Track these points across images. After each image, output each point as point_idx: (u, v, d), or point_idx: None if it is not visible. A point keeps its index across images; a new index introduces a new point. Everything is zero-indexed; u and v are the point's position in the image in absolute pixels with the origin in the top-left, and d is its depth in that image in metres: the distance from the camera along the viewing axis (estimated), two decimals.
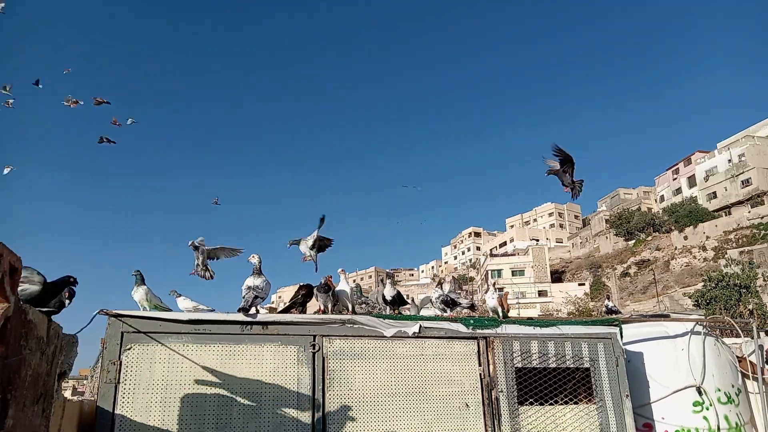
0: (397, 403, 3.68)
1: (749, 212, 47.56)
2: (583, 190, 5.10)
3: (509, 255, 62.56)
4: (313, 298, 4.14)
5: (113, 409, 3.17)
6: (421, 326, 3.90)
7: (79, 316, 3.24)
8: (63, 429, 2.91)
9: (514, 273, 57.14)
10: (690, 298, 32.75)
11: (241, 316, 3.55)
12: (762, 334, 5.45)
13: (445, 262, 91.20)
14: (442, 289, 4.42)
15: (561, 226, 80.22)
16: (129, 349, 3.31)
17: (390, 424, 3.62)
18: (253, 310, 3.65)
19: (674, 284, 42.04)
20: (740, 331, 5.22)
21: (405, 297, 4.63)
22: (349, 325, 3.76)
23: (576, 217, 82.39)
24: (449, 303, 4.31)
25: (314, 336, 3.66)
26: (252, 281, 3.71)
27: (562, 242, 72.64)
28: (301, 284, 4.10)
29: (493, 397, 3.87)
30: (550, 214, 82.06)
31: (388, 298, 4.21)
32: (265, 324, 3.60)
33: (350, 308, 4.08)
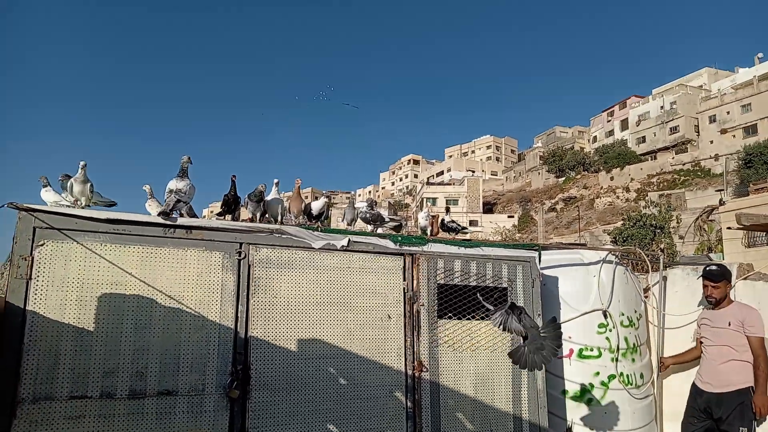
0: (322, 311, 3.75)
1: (673, 158, 50.28)
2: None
3: (445, 184, 63.69)
4: (243, 207, 4.06)
5: (24, 305, 3.05)
6: (350, 240, 3.93)
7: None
8: None
9: (448, 202, 58.43)
10: (609, 235, 34.84)
11: (163, 220, 3.45)
12: (667, 269, 5.86)
13: (383, 188, 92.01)
14: (370, 206, 4.44)
15: (497, 159, 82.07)
16: (42, 245, 3.15)
17: (312, 331, 3.70)
18: (176, 214, 3.55)
19: (596, 221, 44.45)
20: (648, 264, 5.60)
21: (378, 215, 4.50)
22: (277, 235, 3.73)
23: (512, 151, 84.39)
24: (375, 219, 4.35)
25: (240, 243, 3.61)
26: (174, 184, 3.58)
27: (496, 175, 74.57)
28: (233, 175, 3.98)
29: (414, 310, 4.02)
30: (488, 147, 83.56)
31: (315, 212, 4.20)
32: (188, 228, 3.51)
33: (279, 219, 4.04)
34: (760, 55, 54.86)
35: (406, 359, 3.93)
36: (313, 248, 3.82)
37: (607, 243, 32.10)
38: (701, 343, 4.64)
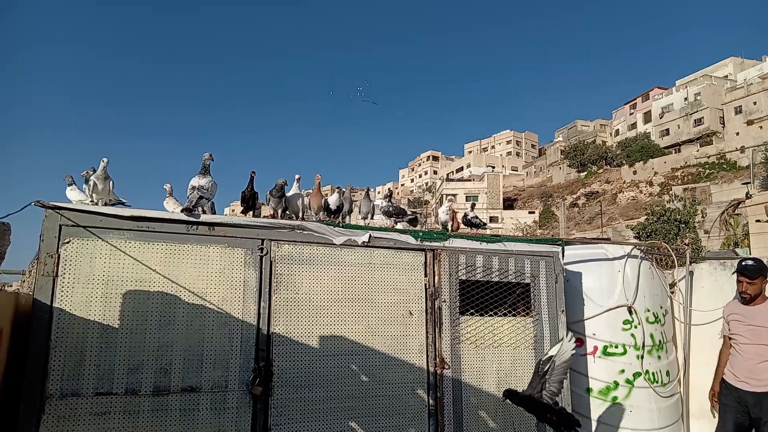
0: (343, 308, 3.74)
1: (698, 151, 49.22)
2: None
3: (465, 180, 63.35)
4: (264, 204, 4.07)
5: (51, 303, 3.10)
6: (371, 236, 3.92)
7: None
8: None
9: (468, 198, 58.12)
10: (632, 230, 34.29)
11: (185, 216, 3.47)
12: (693, 264, 5.73)
13: (402, 185, 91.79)
14: (389, 199, 4.41)
15: (518, 154, 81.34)
16: (68, 242, 3.19)
17: (335, 327, 3.70)
18: (199, 211, 3.57)
19: (619, 216, 43.80)
20: (675, 258, 5.48)
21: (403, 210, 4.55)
22: (298, 231, 3.73)
23: (533, 146, 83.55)
24: (394, 213, 4.32)
25: (262, 240, 3.62)
26: (197, 181, 3.60)
27: (517, 170, 73.90)
28: (253, 171, 3.99)
29: (436, 306, 3.99)
30: (508, 142, 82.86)
31: (333, 206, 4.18)
32: (211, 225, 3.52)
33: (300, 215, 4.04)
34: None
35: (428, 356, 3.91)
36: (335, 244, 3.81)
37: (630, 238, 31.62)
38: (730, 339, 4.43)
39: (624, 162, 53.57)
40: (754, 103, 48.11)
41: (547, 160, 67.86)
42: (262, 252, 3.60)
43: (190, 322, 3.35)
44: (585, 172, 56.33)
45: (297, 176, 4.15)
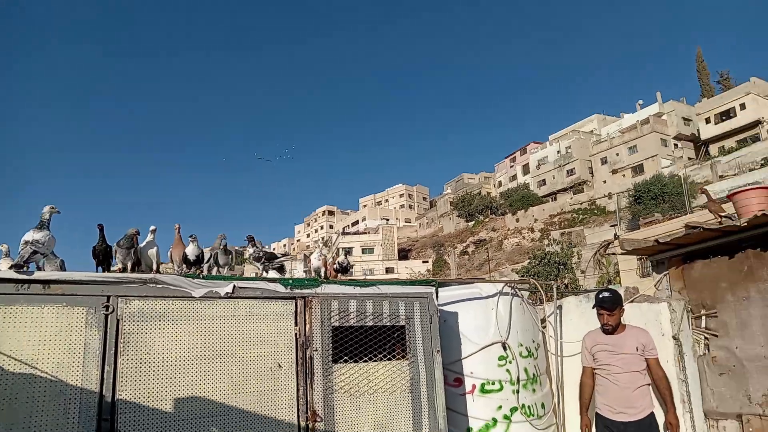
0: (203, 365, 3.45)
1: (571, 198, 53.59)
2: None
3: (360, 233, 63.98)
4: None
5: None
6: (235, 286, 3.70)
7: None
8: None
9: (364, 251, 58.66)
10: (517, 273, 36.09)
11: (15, 274, 3.08)
12: (565, 297, 6.02)
13: (298, 240, 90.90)
14: (252, 242, 4.24)
15: (410, 206, 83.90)
16: None
17: (193, 388, 3.39)
18: (33, 267, 3.19)
19: (505, 261, 46.07)
20: (543, 293, 5.73)
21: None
22: (151, 285, 3.44)
23: (424, 198, 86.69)
24: (265, 257, 4.15)
25: (108, 297, 3.29)
26: (31, 235, 3.23)
27: (410, 222, 76.01)
28: (100, 224, 3.66)
29: (307, 356, 3.81)
30: (401, 195, 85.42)
31: (191, 257, 3.94)
32: (46, 283, 3.15)
33: (155, 268, 3.74)
34: (641, 102, 60.67)
35: (299, 410, 3.68)
36: (194, 297, 3.55)
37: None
38: (596, 370, 4.45)
39: (507, 211, 56.97)
40: (617, 154, 53.68)
41: (437, 211, 70.55)
42: (107, 310, 3.26)
43: (15, 395, 2.91)
44: (473, 222, 59.12)
45: (152, 227, 3.87)
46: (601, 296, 4.41)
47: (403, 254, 60.41)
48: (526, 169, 64.84)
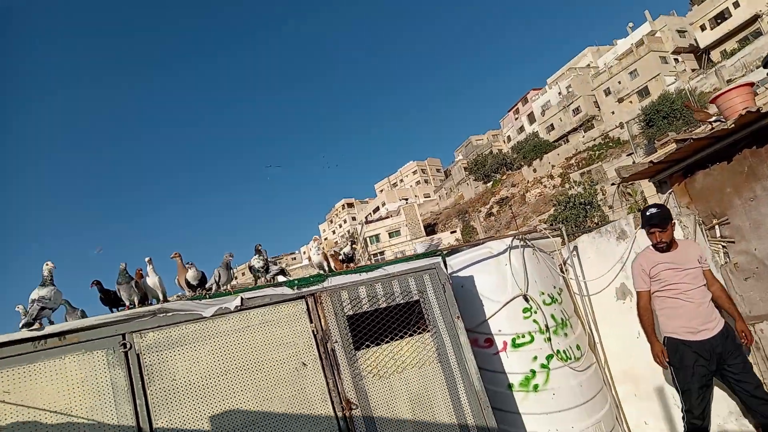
0: (229, 381, 3.54)
1: (583, 137, 52.72)
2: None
3: (383, 219, 64.02)
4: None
5: None
6: (242, 299, 3.77)
7: None
8: None
9: (391, 235, 58.76)
10: (546, 223, 35.79)
11: (29, 333, 3.19)
12: (583, 236, 5.96)
13: (325, 239, 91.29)
14: (261, 255, 4.30)
15: (426, 181, 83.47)
16: None
17: (225, 404, 3.48)
18: (44, 324, 3.29)
19: (532, 214, 45.68)
20: (551, 237, 5.69)
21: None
22: (161, 315, 3.53)
23: (438, 170, 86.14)
24: (264, 268, 4.21)
25: (123, 334, 3.39)
26: (36, 293, 3.33)
27: (429, 196, 75.72)
28: (94, 281, 3.76)
29: (329, 349, 3.87)
30: (414, 172, 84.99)
31: (193, 282, 4.01)
32: (60, 334, 3.26)
33: (160, 298, 3.83)
34: (632, 24, 58.97)
35: (333, 402, 3.75)
36: (205, 317, 3.63)
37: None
38: (660, 292, 4.15)
39: (522, 163, 56.33)
40: (619, 82, 52.47)
41: (454, 180, 70.09)
42: (125, 347, 3.36)
43: None
44: (491, 182, 58.65)
45: (147, 258, 3.95)
46: (648, 213, 4.12)
47: (430, 229, 60.33)
48: (531, 118, 63.88)
